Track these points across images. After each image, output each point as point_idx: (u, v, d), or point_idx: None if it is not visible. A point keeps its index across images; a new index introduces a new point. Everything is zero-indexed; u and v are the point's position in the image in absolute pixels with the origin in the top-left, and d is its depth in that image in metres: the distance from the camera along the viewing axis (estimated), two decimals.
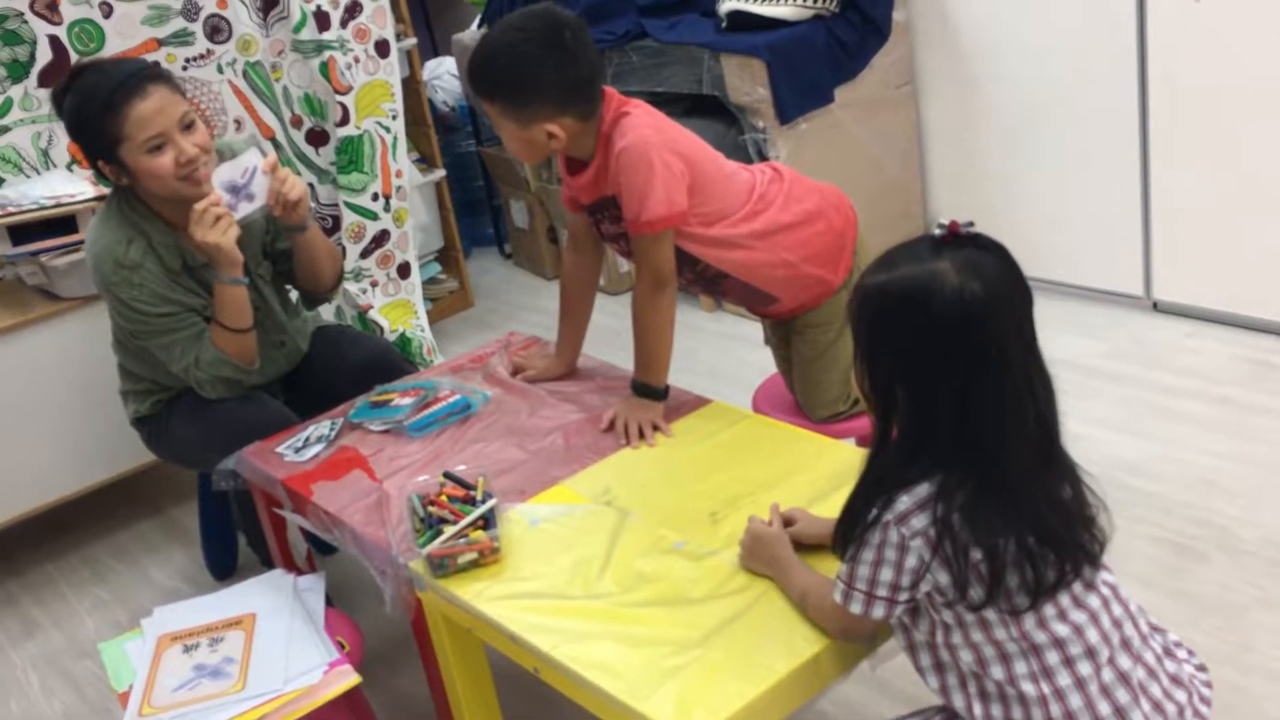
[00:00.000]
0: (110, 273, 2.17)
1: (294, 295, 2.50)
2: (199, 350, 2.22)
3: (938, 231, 1.29)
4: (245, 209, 2.16)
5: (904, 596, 1.30)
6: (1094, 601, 1.31)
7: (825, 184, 2.18)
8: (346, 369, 2.38)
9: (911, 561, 1.28)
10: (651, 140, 1.93)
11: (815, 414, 2.17)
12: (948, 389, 1.25)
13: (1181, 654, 1.38)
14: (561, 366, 2.25)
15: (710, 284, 2.13)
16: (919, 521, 1.26)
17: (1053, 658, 1.29)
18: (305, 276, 2.41)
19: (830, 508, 1.64)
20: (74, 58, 2.88)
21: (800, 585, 1.48)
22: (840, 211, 2.14)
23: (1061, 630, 1.28)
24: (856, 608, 1.33)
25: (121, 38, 2.94)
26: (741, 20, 3.27)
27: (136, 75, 2.11)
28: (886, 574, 1.30)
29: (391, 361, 2.45)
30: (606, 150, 1.97)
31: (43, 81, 2.87)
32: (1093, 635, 1.29)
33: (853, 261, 2.13)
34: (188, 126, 2.14)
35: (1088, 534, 1.30)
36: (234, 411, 2.26)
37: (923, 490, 1.27)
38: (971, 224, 1.29)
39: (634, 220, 1.95)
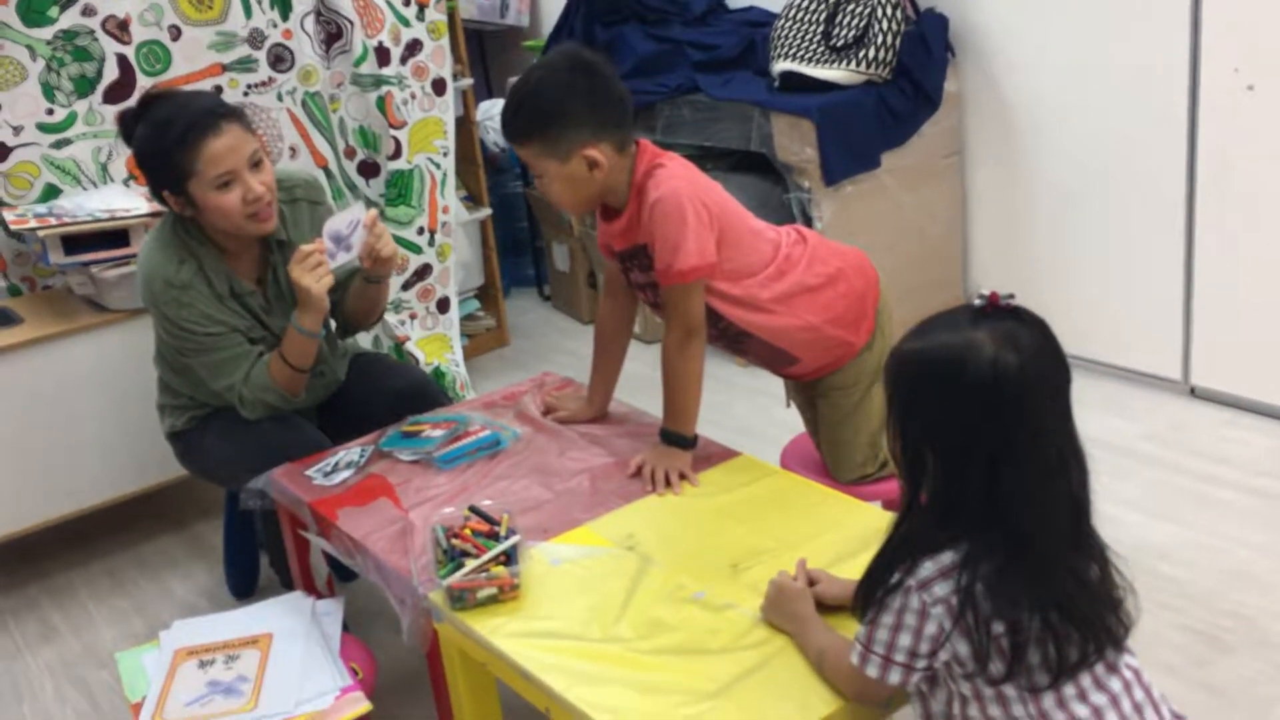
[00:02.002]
0: (160, 291, 2.21)
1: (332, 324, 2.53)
2: (248, 369, 2.25)
3: (978, 302, 1.30)
4: (342, 258, 2.22)
5: (922, 664, 1.29)
6: (1115, 685, 1.29)
7: (847, 246, 2.21)
8: (383, 397, 2.40)
9: (931, 629, 1.27)
10: (685, 191, 1.95)
11: (842, 476, 2.16)
12: (977, 459, 1.25)
13: None
14: (593, 410, 2.26)
15: (733, 341, 2.14)
16: (941, 589, 1.26)
17: None
18: (354, 313, 2.45)
19: (854, 569, 1.63)
20: (140, 78, 2.95)
21: (818, 644, 1.47)
22: (862, 273, 2.14)
23: (1081, 712, 1.27)
24: (873, 671, 1.32)
25: (188, 61, 3.01)
26: (794, 81, 3.31)
27: (212, 112, 2.16)
28: (905, 640, 1.29)
29: (428, 392, 2.47)
30: (640, 200, 1.99)
31: (108, 98, 2.94)
32: (1112, 718, 1.27)
33: (875, 323, 2.13)
34: (256, 164, 2.19)
35: (1113, 616, 1.29)
36: (268, 433, 2.29)
37: (947, 558, 1.26)
38: (1012, 296, 1.29)
39: (666, 270, 1.96)
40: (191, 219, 2.24)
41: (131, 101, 2.93)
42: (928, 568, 1.27)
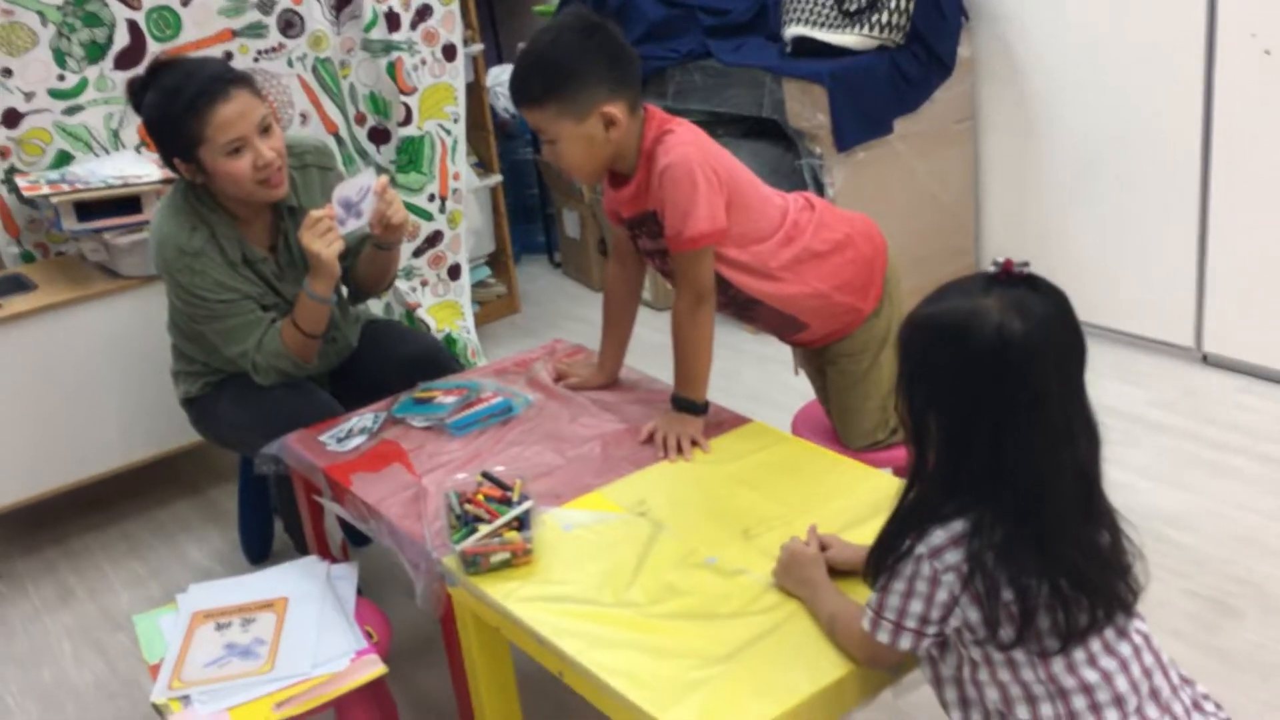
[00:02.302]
0: (173, 259, 2.22)
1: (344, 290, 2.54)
2: (261, 336, 2.26)
3: (992, 269, 1.30)
4: (352, 225, 2.22)
5: (932, 630, 1.30)
6: (1125, 649, 1.30)
7: (855, 214, 2.20)
8: (395, 363, 2.41)
9: (942, 596, 1.28)
10: (694, 157, 1.94)
11: (853, 443, 2.17)
12: (981, 426, 1.26)
13: (1210, 706, 1.37)
14: (604, 376, 2.27)
15: (742, 308, 2.14)
16: (952, 557, 1.27)
17: (1079, 703, 1.28)
18: (365, 279, 2.45)
19: (865, 535, 1.64)
20: (150, 43, 2.95)
21: (830, 609, 1.48)
22: (869, 240, 2.14)
23: (1091, 676, 1.28)
24: (884, 637, 1.33)
25: (198, 27, 3.00)
26: (806, 46, 3.29)
27: (221, 78, 2.15)
28: (916, 606, 1.30)
29: (440, 359, 2.48)
30: (649, 166, 1.98)
31: (119, 64, 2.94)
32: (1121, 683, 1.28)
33: (882, 290, 2.13)
34: (265, 130, 2.19)
35: (1123, 582, 1.30)
36: (281, 399, 2.30)
37: (958, 526, 1.27)
38: (1027, 264, 1.29)
39: (676, 236, 1.96)
40: (203, 186, 2.24)
41: (141, 68, 2.94)
42: (939, 535, 1.27)
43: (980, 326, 1.25)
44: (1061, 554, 1.25)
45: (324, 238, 2.16)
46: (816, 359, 2.24)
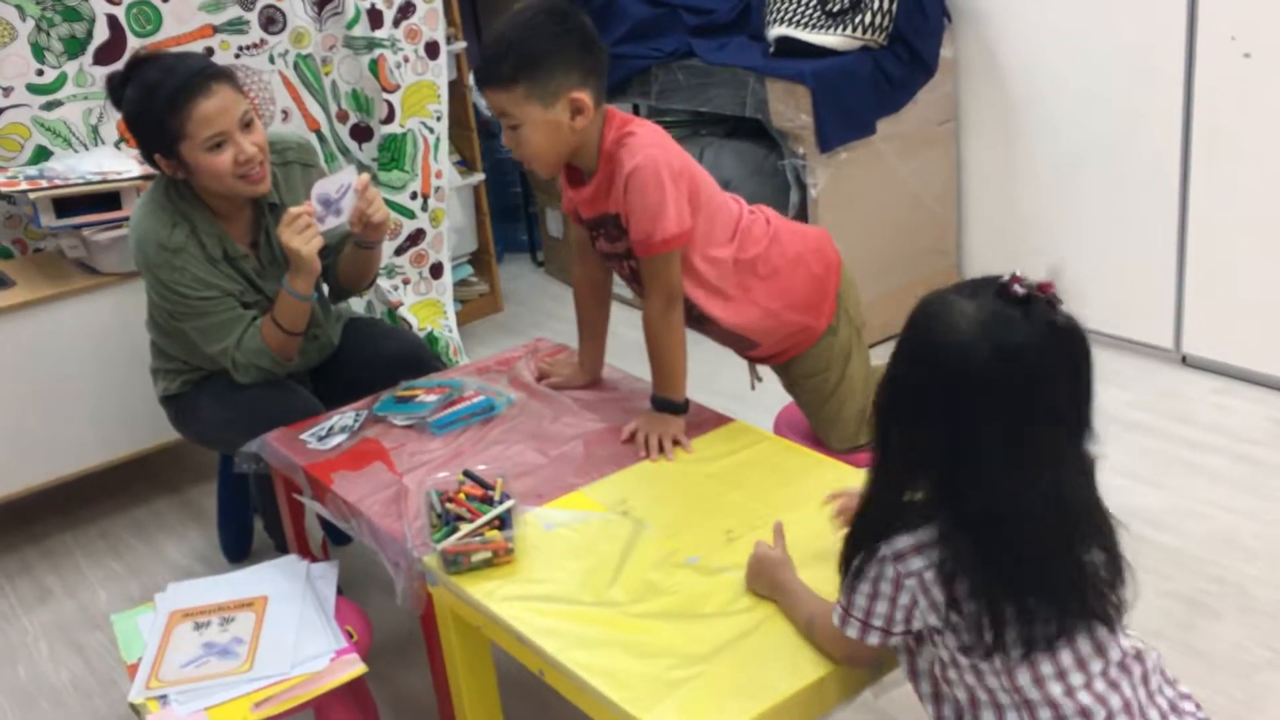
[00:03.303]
0: (153, 254, 2.20)
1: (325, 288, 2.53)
2: (241, 333, 2.25)
3: (1004, 278, 1.24)
4: (331, 223, 2.21)
5: (899, 628, 1.31)
6: (1096, 666, 1.28)
7: (811, 228, 2.21)
8: (378, 362, 2.41)
9: (904, 599, 1.28)
10: (660, 158, 1.93)
11: (835, 446, 2.17)
12: (935, 435, 1.24)
13: (1188, 707, 1.37)
14: (586, 376, 2.27)
15: (696, 323, 2.14)
16: (916, 563, 1.27)
17: (1045, 715, 1.28)
18: (346, 277, 2.44)
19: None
20: (130, 38, 2.93)
21: (807, 611, 1.48)
22: (822, 257, 2.14)
23: (1054, 690, 1.27)
24: (853, 633, 1.34)
25: (178, 22, 2.98)
26: (789, 46, 3.29)
27: (202, 73, 2.14)
28: (881, 607, 1.31)
29: (422, 357, 2.47)
30: (609, 167, 1.96)
31: (98, 59, 2.91)
32: (1085, 698, 1.27)
33: (836, 306, 2.14)
34: (247, 125, 2.17)
35: (1103, 600, 1.27)
36: (261, 397, 2.29)
37: (924, 533, 1.27)
38: (1044, 286, 1.22)
39: (646, 240, 1.95)
40: (184, 182, 2.23)
41: (122, 63, 2.92)
42: (904, 541, 1.27)
43: (945, 337, 1.21)
44: (1027, 570, 1.23)
45: (303, 234, 2.15)
46: (783, 376, 2.24)
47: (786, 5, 3.33)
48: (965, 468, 1.23)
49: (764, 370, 2.38)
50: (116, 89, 2.19)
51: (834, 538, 1.61)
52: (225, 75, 2.18)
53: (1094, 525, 1.30)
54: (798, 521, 1.68)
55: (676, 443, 1.98)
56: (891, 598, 1.29)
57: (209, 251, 2.24)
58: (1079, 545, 1.27)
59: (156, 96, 2.12)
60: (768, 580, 1.56)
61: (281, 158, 2.34)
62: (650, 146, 1.94)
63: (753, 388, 2.38)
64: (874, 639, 1.33)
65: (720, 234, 2.05)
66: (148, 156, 2.22)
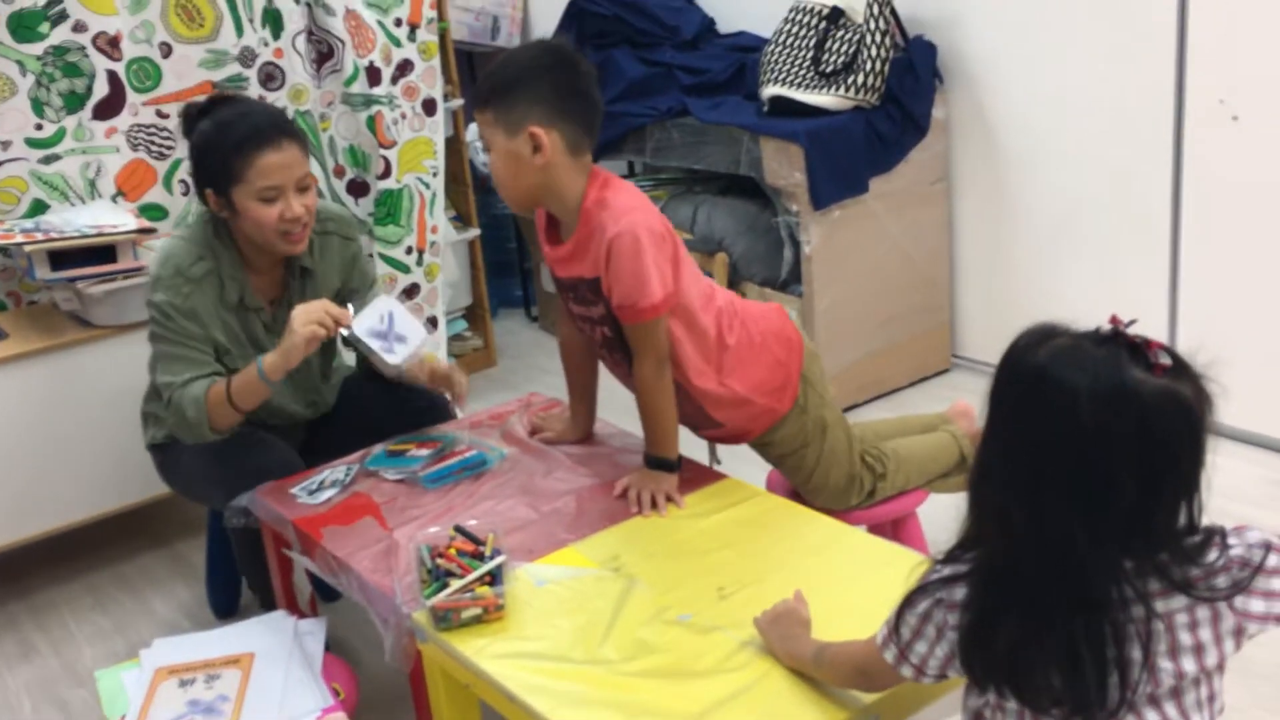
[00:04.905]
0: (168, 275, 2.21)
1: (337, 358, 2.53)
2: (191, 378, 2.20)
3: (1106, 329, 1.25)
4: (403, 351, 2.18)
5: (932, 672, 1.29)
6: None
7: (769, 306, 2.19)
8: (402, 414, 2.39)
9: (942, 650, 1.27)
10: (641, 223, 1.92)
11: (825, 506, 2.15)
12: (995, 477, 1.22)
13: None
14: (578, 431, 2.26)
15: None
16: (961, 617, 1.24)
17: None
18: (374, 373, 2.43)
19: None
20: (130, 94, 2.96)
21: (816, 645, 1.47)
22: (782, 340, 2.13)
23: None
24: (889, 657, 1.32)
25: (178, 78, 3.01)
26: (783, 106, 3.33)
27: (276, 126, 2.18)
28: (921, 647, 1.29)
29: (444, 408, 2.46)
30: (588, 229, 1.95)
31: (97, 114, 2.94)
32: None
33: (799, 387, 2.13)
34: (303, 189, 2.20)
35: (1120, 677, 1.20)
36: (241, 453, 2.27)
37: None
38: (1161, 350, 1.25)
39: (632, 308, 1.93)
40: (224, 221, 2.24)
41: (120, 118, 2.95)
42: (960, 590, 1.25)
43: (1050, 386, 1.22)
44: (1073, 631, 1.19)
45: (310, 324, 2.10)
46: (762, 453, 2.22)
47: (780, 65, 3.38)
48: (1013, 517, 1.20)
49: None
50: (192, 119, 2.24)
51: (828, 592, 1.60)
52: (297, 135, 2.22)
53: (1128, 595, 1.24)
54: (791, 578, 1.67)
55: (669, 499, 1.97)
56: (932, 641, 1.27)
57: (225, 294, 2.25)
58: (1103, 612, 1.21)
59: (228, 135, 2.16)
60: (784, 630, 1.54)
61: (322, 227, 2.36)
62: (631, 211, 1.93)
63: (710, 466, 2.35)
64: (907, 672, 1.31)
65: (698, 301, 2.04)
66: (199, 189, 2.25)
